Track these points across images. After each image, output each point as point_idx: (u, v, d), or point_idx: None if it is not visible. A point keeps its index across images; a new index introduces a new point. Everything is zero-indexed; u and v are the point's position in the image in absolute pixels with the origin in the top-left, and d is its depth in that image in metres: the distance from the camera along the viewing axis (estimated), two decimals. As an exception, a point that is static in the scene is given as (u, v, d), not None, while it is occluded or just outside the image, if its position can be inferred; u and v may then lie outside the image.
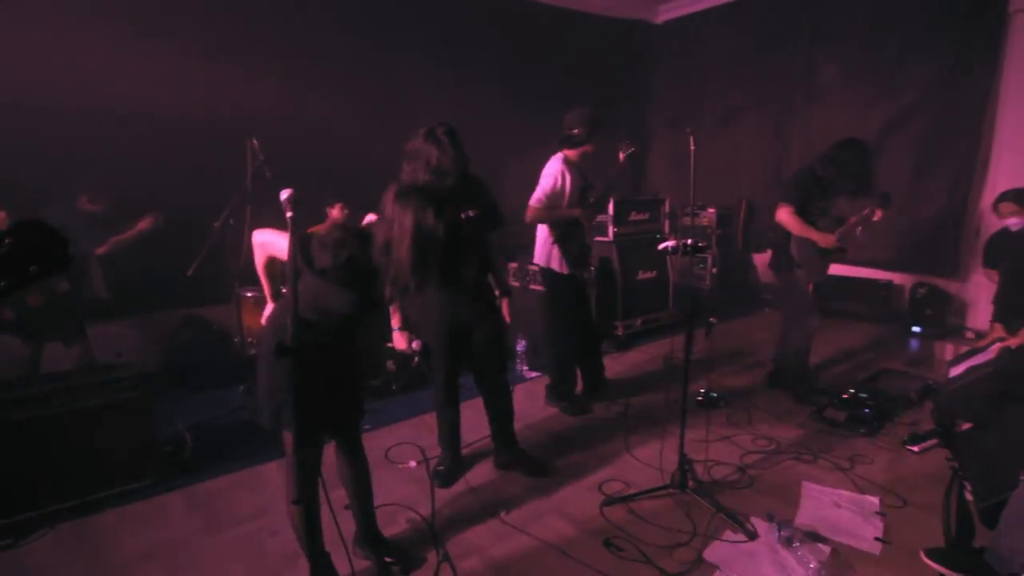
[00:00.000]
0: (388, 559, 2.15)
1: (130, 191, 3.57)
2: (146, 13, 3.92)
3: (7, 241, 0.81)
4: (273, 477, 2.80)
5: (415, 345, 2.47)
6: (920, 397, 3.55)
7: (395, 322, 2.49)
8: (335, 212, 4.09)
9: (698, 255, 5.68)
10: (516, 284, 4.83)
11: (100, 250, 3.43)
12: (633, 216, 5.09)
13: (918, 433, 3.06)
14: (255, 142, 3.58)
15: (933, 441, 3.00)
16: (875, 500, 2.54)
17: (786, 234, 3.41)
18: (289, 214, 1.54)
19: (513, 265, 4.91)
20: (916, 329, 4.98)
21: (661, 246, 3.48)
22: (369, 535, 2.20)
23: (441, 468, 2.82)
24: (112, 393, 2.62)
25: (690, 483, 2.58)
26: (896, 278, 5.38)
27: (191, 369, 4.02)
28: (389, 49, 5.10)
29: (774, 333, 3.90)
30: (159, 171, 3.82)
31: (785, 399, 3.63)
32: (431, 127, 2.34)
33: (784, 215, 3.37)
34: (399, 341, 2.50)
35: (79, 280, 3.49)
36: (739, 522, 2.36)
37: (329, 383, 1.86)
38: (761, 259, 5.79)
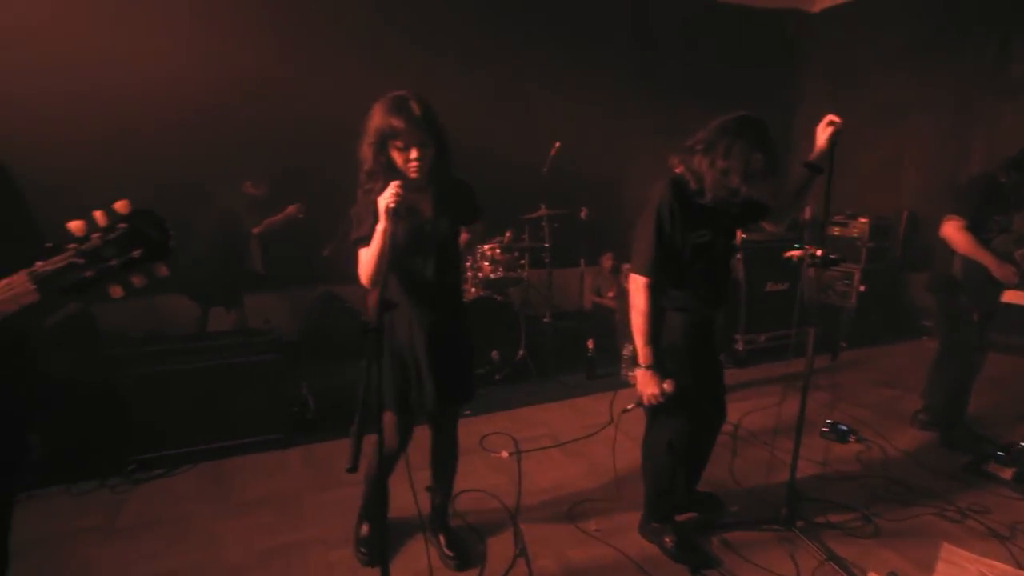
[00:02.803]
0: (448, 552, 2.16)
1: (282, 177, 4.03)
2: (302, 13, 4.40)
3: (120, 226, 0.91)
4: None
5: (667, 387, 1.97)
6: (1125, 464, 2.86)
7: (643, 359, 2.00)
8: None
9: (835, 268, 5.08)
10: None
11: (255, 230, 3.91)
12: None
13: (1114, 508, 2.48)
14: None
15: None
16: (1039, 580, 2.10)
17: (950, 251, 2.92)
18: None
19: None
20: None
21: (787, 254, 3.14)
22: (440, 521, 2.25)
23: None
24: (254, 354, 2.99)
25: (799, 522, 2.33)
26: (1108, 314, 4.38)
27: (324, 340, 4.45)
28: (511, 36, 5.16)
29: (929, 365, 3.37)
30: (310, 159, 4.24)
31: (934, 444, 3.13)
32: (742, 115, 1.80)
33: (951, 230, 2.86)
34: (647, 383, 1.99)
35: (241, 255, 4.01)
36: (853, 575, 2.08)
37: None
38: (923, 279, 5.06)
